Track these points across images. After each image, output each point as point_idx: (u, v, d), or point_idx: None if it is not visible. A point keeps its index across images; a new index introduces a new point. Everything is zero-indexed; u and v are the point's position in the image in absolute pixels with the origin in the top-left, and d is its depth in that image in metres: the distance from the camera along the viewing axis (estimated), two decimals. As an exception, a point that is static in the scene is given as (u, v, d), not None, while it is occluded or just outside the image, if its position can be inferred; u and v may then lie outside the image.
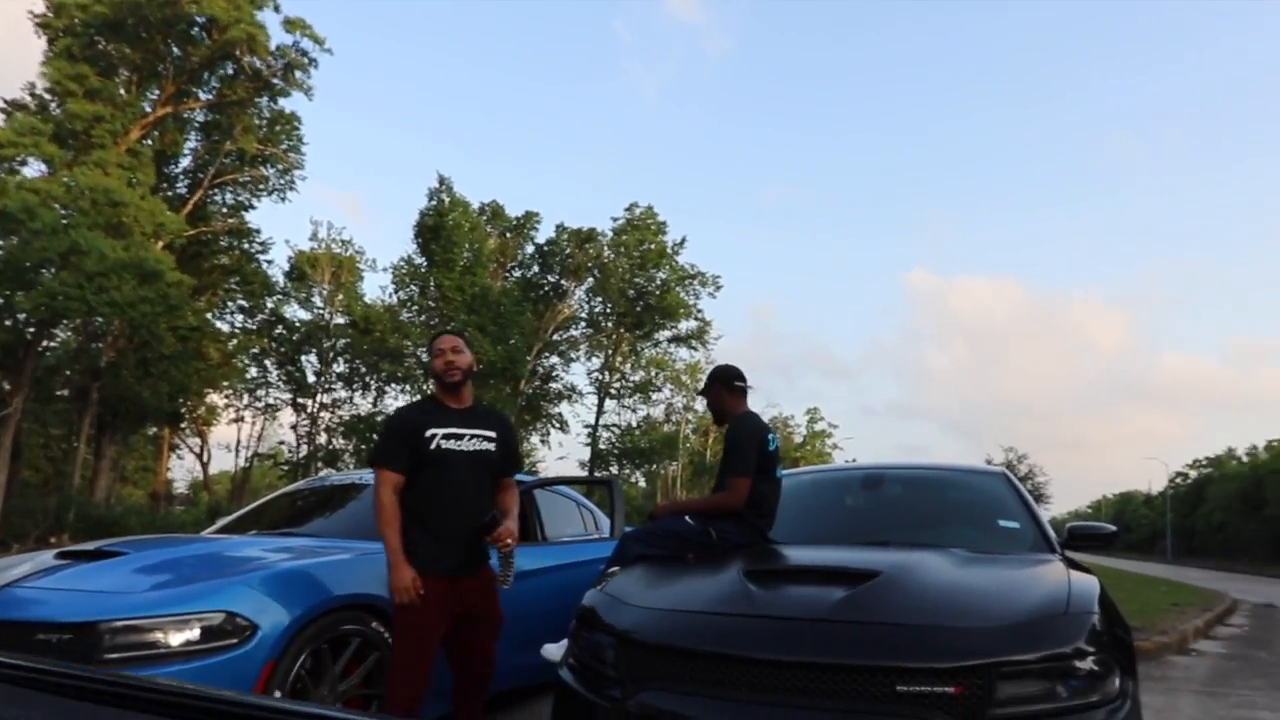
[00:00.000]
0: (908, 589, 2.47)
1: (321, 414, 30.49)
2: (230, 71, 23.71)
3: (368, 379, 30.56)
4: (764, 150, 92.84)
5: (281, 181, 26.61)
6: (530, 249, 35.36)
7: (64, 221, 17.81)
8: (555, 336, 34.68)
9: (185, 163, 25.56)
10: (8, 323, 19.42)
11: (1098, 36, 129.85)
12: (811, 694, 2.15)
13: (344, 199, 69.70)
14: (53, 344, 22.42)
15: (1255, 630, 10.20)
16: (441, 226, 29.70)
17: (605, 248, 34.25)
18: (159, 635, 2.71)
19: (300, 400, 30.53)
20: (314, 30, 23.68)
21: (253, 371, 30.49)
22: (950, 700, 2.06)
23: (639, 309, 34.32)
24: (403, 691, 2.84)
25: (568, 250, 34.33)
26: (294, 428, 30.61)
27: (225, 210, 26.63)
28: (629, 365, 37.40)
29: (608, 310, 34.94)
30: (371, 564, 3.17)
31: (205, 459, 34.89)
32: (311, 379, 30.36)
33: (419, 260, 31.04)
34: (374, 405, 30.56)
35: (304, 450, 30.22)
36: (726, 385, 3.63)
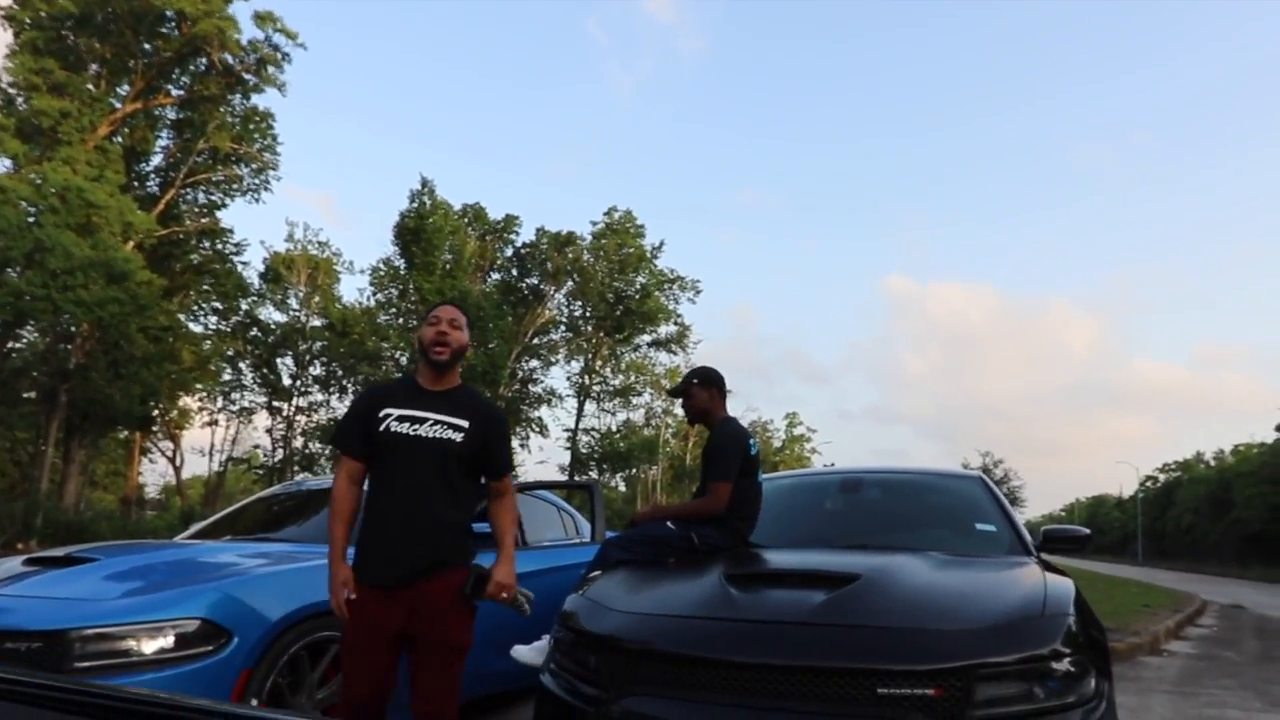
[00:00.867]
0: (887, 592, 2.49)
1: (297, 417, 30.08)
2: (202, 67, 23.37)
3: (345, 382, 30.21)
4: (739, 152, 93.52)
5: (256, 181, 26.30)
6: (509, 252, 35.23)
7: (30, 220, 17.47)
8: (535, 340, 34.56)
9: (157, 161, 25.16)
10: (-28, 323, 19.01)
11: (1070, 43, 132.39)
12: (793, 697, 2.16)
13: (317, 199, 69.14)
14: (19, 345, 21.96)
15: (1224, 631, 10.40)
16: (423, 229, 29.50)
17: (585, 251, 34.21)
18: (131, 643, 2.66)
19: (276, 404, 30.12)
20: (285, 25, 23.44)
21: (227, 374, 30.05)
22: (930, 702, 2.08)
23: (619, 313, 34.31)
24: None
25: (546, 254, 34.25)
26: (269, 431, 30.19)
27: (198, 209, 26.23)
28: (609, 369, 37.38)
29: (587, 314, 34.90)
30: (349, 569, 3.13)
31: (178, 463, 34.34)
32: (287, 382, 29.96)
33: (398, 262, 30.80)
34: (350, 409, 30.14)
35: (280, 454, 29.81)
36: (719, 388, 3.65)
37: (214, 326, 28.76)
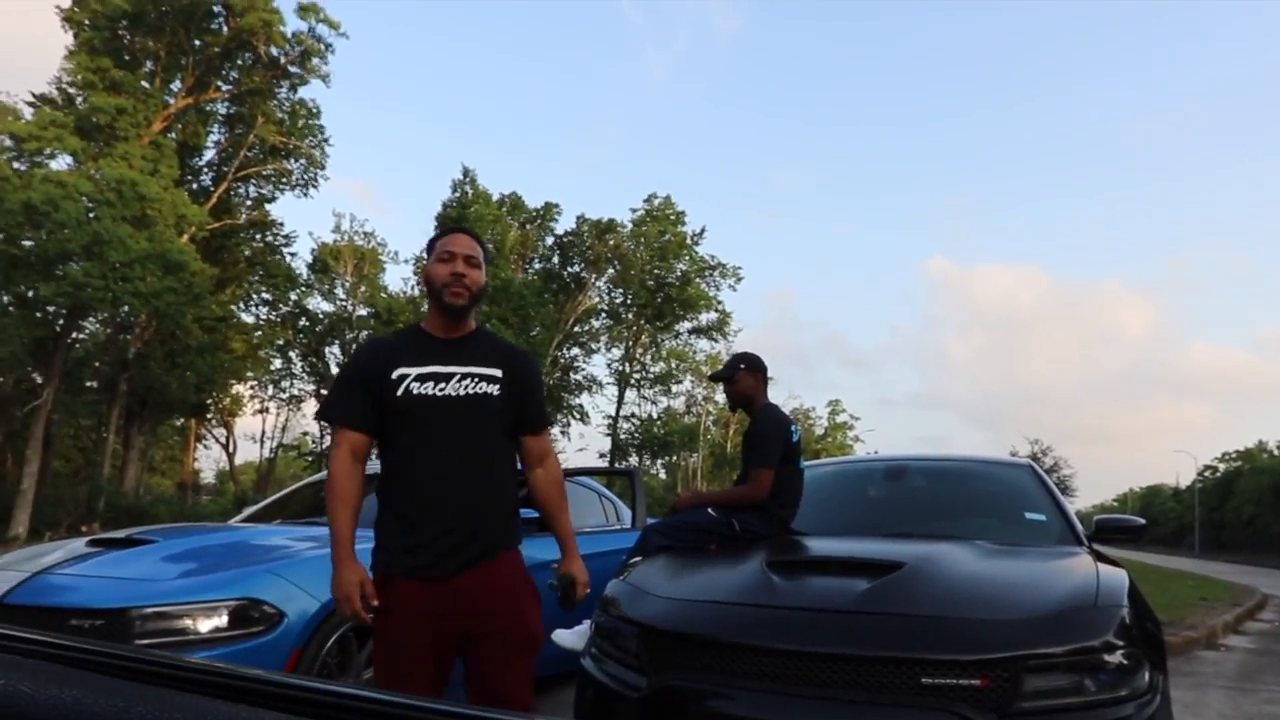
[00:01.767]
0: (932, 580, 2.45)
1: (344, 405, 30.73)
2: (249, 61, 23.87)
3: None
4: (776, 134, 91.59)
5: (305, 176, 26.86)
6: (550, 240, 35.42)
7: (89, 214, 18.11)
8: (576, 328, 34.75)
9: (209, 155, 25.86)
10: (38, 315, 19.80)
11: (1123, 15, 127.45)
12: (834, 685, 2.14)
13: (356, 187, 69.99)
14: (82, 336, 22.83)
15: (1286, 625, 10.03)
16: (464, 218, 29.84)
17: (625, 238, 34.23)
18: (188, 621, 2.76)
19: (324, 392, 30.88)
20: (328, 15, 23.76)
21: (277, 363, 30.88)
22: (976, 693, 2.04)
23: (659, 300, 34.31)
24: None
25: (588, 241, 34.35)
26: (318, 418, 30.93)
27: (249, 203, 26.91)
28: (649, 356, 37.43)
29: (628, 301, 34.96)
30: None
31: (231, 449, 35.44)
32: (335, 370, 30.68)
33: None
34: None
35: (327, 441, 30.51)
36: (763, 374, 3.65)
37: (264, 317, 29.58)
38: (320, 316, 30.37)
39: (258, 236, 27.50)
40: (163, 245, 18.90)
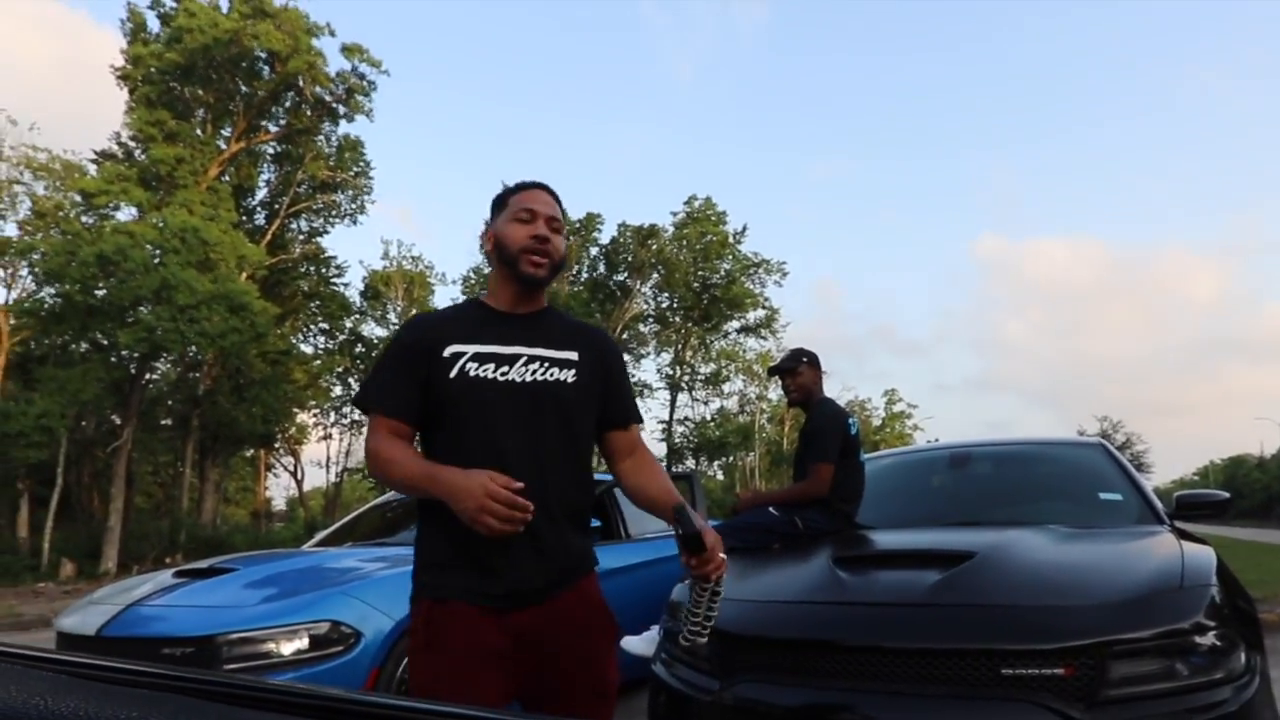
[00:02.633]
0: (1007, 568, 2.39)
1: (404, 427, 31.43)
2: (295, 102, 24.71)
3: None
4: (807, 124, 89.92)
5: (352, 206, 27.63)
6: (594, 250, 35.67)
7: (156, 260, 18.94)
8: (624, 335, 34.89)
9: (261, 195, 26.80)
10: (114, 359, 20.77)
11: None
12: (910, 680, 2.10)
13: (397, 212, 71.28)
14: (154, 377, 23.86)
15: (1394, 597, 9.45)
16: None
17: (667, 242, 34.28)
18: (271, 645, 2.86)
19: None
20: (370, 54, 24.45)
21: (337, 390, 31.75)
22: (1060, 682, 1.98)
23: (705, 301, 34.24)
24: None
25: (631, 248, 34.49)
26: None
27: (302, 237, 27.80)
28: (699, 358, 37.36)
29: (674, 305, 34.98)
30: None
31: (300, 476, 36.48)
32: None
33: (488, 270, 31.65)
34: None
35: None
36: (820, 370, 3.67)
37: (322, 346, 30.45)
38: (375, 342, 31.14)
39: (312, 269, 28.38)
40: (226, 286, 19.65)
